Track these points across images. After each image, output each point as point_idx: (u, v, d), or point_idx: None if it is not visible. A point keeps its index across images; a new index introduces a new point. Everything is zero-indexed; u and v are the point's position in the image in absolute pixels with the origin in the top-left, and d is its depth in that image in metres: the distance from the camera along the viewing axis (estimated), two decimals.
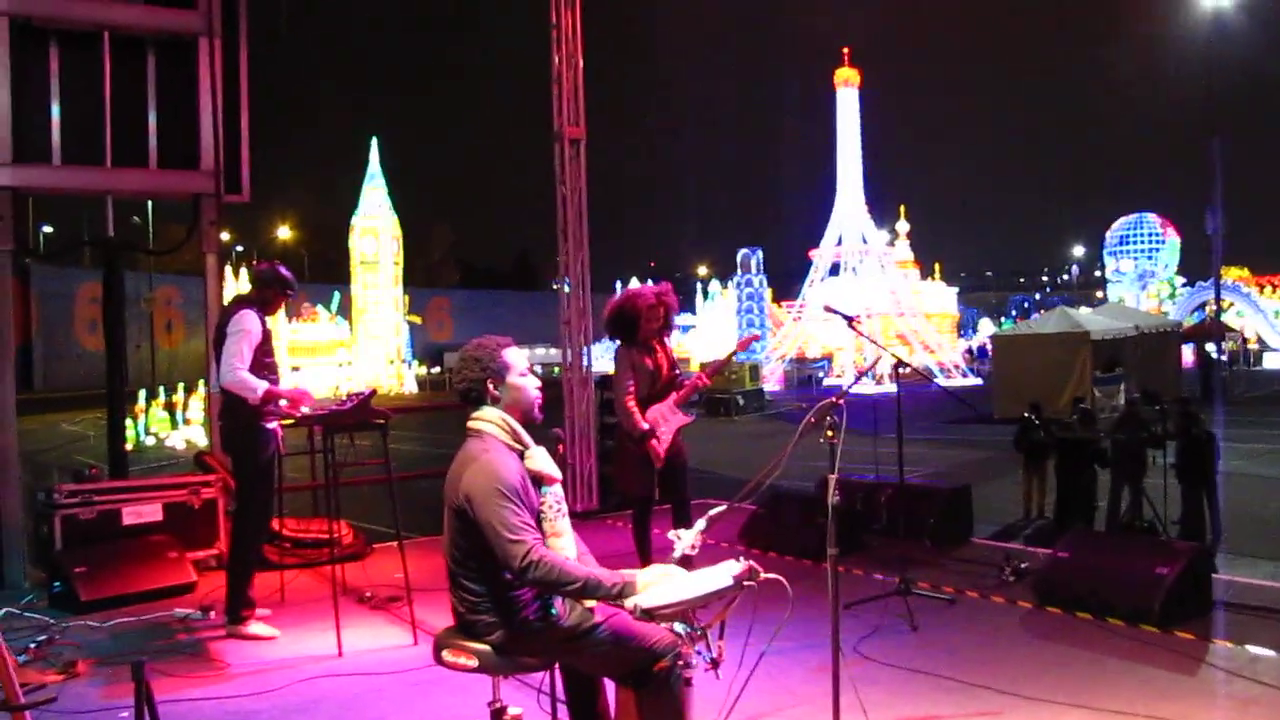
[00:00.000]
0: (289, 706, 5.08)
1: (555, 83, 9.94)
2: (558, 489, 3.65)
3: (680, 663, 3.47)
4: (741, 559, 3.39)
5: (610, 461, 10.06)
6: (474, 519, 3.41)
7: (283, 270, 6.65)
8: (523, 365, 3.72)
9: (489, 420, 3.62)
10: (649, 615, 3.33)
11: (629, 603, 3.35)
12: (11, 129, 7.74)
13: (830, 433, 4.01)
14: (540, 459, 3.62)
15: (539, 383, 3.76)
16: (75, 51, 8.11)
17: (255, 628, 6.26)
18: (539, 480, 3.58)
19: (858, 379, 5.60)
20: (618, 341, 6.98)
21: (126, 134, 8.23)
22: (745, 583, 3.34)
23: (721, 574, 3.37)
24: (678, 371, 7.01)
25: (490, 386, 3.64)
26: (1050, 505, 12.63)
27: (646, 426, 6.73)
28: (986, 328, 63.04)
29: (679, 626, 3.45)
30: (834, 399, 4.03)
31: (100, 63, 8.08)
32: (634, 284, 58.50)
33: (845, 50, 45.49)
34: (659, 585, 3.42)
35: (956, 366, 43.05)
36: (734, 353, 7.88)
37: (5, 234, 7.71)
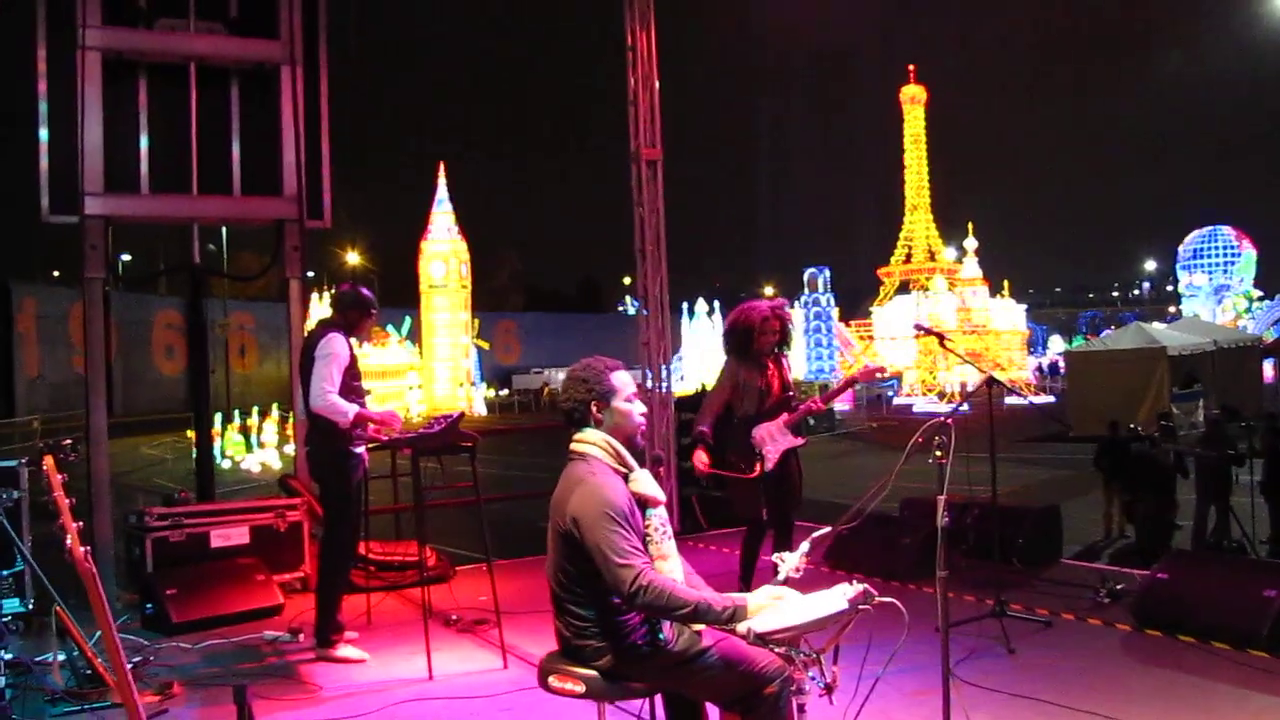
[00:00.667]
0: None
1: (632, 104, 9.96)
2: (662, 511, 3.60)
3: (793, 688, 3.40)
4: (855, 582, 3.32)
5: (694, 485, 10.03)
6: (581, 543, 3.38)
7: (365, 291, 6.63)
8: (629, 389, 3.67)
9: (593, 443, 3.59)
10: (763, 640, 3.27)
11: (741, 627, 3.29)
12: (104, 160, 7.88)
13: (939, 453, 3.93)
14: (645, 481, 3.58)
15: (644, 409, 3.72)
16: (163, 83, 8.26)
17: (345, 650, 6.27)
18: (643, 503, 3.54)
19: (963, 401, 5.51)
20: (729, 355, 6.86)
21: (211, 162, 8.36)
22: (860, 606, 3.27)
23: (836, 597, 3.30)
24: (791, 393, 6.84)
25: (594, 409, 3.61)
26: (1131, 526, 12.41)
27: (702, 429, 6.61)
28: (1056, 344, 62.20)
29: (793, 650, 3.38)
30: (943, 419, 3.96)
31: (186, 93, 8.22)
32: (700, 305, 58.91)
33: (911, 67, 45.40)
34: (771, 609, 3.36)
35: (1028, 384, 42.45)
36: (854, 380, 7.72)
37: (98, 262, 7.86)
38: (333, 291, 7.15)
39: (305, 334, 6.83)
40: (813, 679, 3.40)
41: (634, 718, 4.02)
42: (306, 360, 6.30)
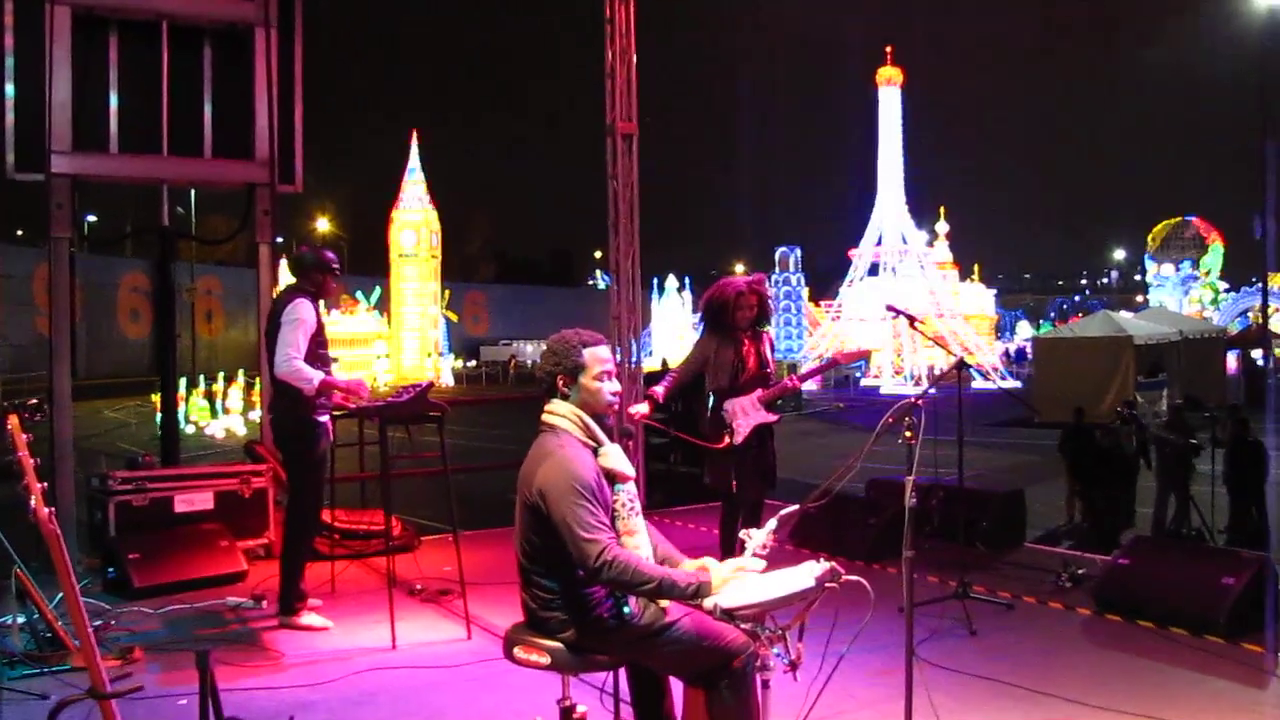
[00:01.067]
0: (346, 698, 5.07)
1: (609, 77, 9.90)
2: (631, 487, 3.59)
3: (757, 664, 3.41)
4: (823, 560, 3.33)
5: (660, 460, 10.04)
6: (548, 516, 3.37)
7: (326, 253, 6.52)
8: (600, 367, 3.59)
9: (562, 415, 3.56)
10: (729, 616, 3.28)
11: (708, 603, 3.30)
12: (72, 118, 7.76)
13: (909, 434, 3.94)
14: (615, 456, 3.57)
15: (617, 387, 3.67)
16: (134, 41, 8.14)
17: (308, 618, 6.24)
18: (612, 478, 3.53)
19: (934, 384, 5.52)
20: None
21: (182, 123, 8.25)
22: (827, 584, 3.27)
23: (803, 575, 3.31)
24: (769, 370, 6.78)
25: (560, 383, 3.58)
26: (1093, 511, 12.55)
27: (654, 389, 6.62)
28: (1024, 330, 62.66)
29: (758, 627, 3.39)
30: (913, 400, 3.96)
31: (158, 52, 8.10)
32: (671, 280, 58.85)
33: (888, 49, 45.30)
34: (738, 584, 3.37)
35: (995, 369, 42.74)
36: (835, 362, 7.70)
37: (64, 222, 7.75)
38: (291, 255, 7.02)
39: (272, 299, 6.74)
40: (777, 655, 3.41)
41: (597, 690, 4.02)
42: (273, 326, 6.20)
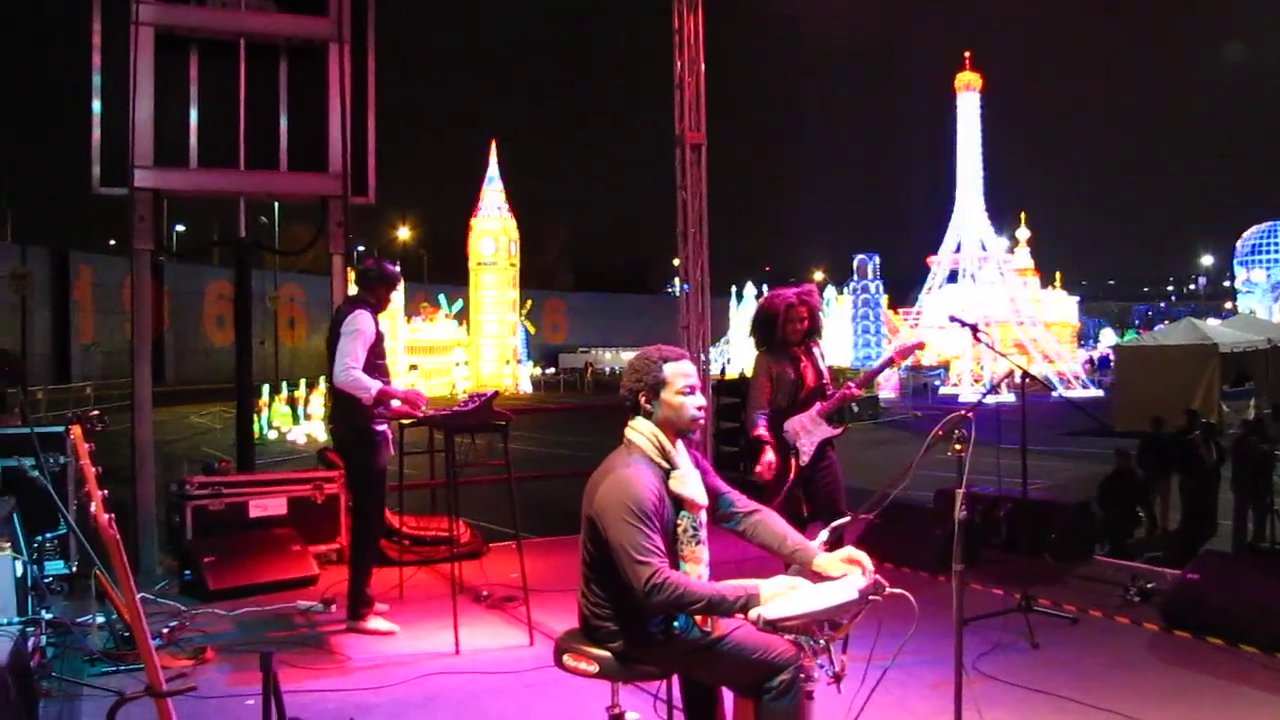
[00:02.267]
0: (407, 702, 5.17)
1: (677, 88, 9.97)
2: (702, 515, 3.60)
3: (802, 676, 3.43)
4: (868, 572, 3.34)
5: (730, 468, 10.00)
6: (603, 534, 3.42)
7: (388, 266, 6.69)
8: (684, 382, 3.59)
9: (640, 433, 3.60)
10: (773, 627, 3.30)
11: (753, 614, 3.32)
12: (154, 134, 8.02)
13: (959, 446, 3.94)
14: (688, 483, 3.56)
15: (702, 401, 3.64)
16: (213, 59, 8.39)
17: (374, 623, 6.37)
18: (680, 503, 3.55)
19: (991, 390, 5.48)
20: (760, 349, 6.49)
21: (259, 138, 8.47)
22: (871, 597, 3.28)
23: (847, 587, 3.32)
24: (826, 381, 6.41)
25: (643, 399, 3.60)
26: (1175, 522, 12.30)
27: (760, 433, 6.19)
28: (1108, 338, 61.48)
29: (802, 639, 3.41)
30: (964, 412, 3.95)
31: (236, 68, 8.34)
32: (749, 289, 58.74)
33: (967, 54, 44.80)
34: (784, 597, 3.39)
35: (1076, 377, 42.03)
36: (891, 361, 7.30)
37: (145, 234, 8.01)
38: (357, 268, 7.17)
39: (334, 310, 6.91)
40: (821, 667, 3.42)
41: (652, 696, 4.08)
42: (333, 336, 6.38)
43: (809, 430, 6.26)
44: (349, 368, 6.16)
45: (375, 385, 6.19)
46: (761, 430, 6.17)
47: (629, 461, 3.52)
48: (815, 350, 6.45)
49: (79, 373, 41.69)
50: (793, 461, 6.22)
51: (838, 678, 3.41)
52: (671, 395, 3.57)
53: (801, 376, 6.28)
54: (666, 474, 3.55)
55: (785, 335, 6.32)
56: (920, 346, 8.05)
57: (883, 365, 7.38)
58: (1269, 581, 6.21)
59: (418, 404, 6.45)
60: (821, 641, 3.37)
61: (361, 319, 6.30)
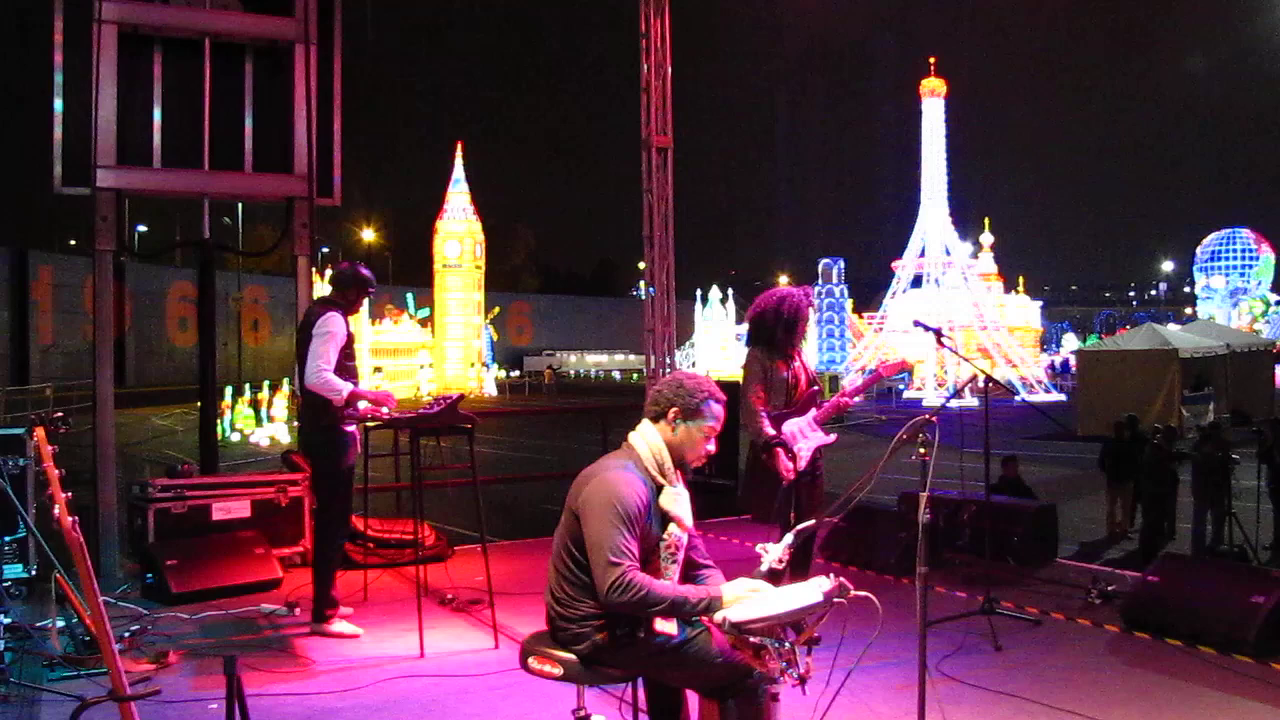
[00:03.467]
0: (372, 705, 5.14)
1: (644, 91, 9.99)
2: (684, 537, 3.63)
3: (767, 678, 3.45)
4: (832, 575, 3.36)
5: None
6: (583, 526, 3.45)
7: (363, 270, 6.70)
8: (713, 424, 3.68)
9: (646, 441, 3.64)
10: (738, 630, 3.32)
11: (718, 616, 3.34)
12: (116, 133, 7.95)
13: (923, 450, 3.97)
14: (678, 502, 3.61)
15: (714, 449, 3.76)
16: (177, 58, 8.33)
17: (339, 626, 6.34)
18: (667, 519, 3.58)
19: (955, 394, 5.52)
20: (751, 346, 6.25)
21: (223, 138, 8.42)
22: (835, 599, 3.31)
23: (812, 590, 3.35)
24: (816, 387, 6.24)
25: (672, 414, 3.64)
26: (1136, 526, 12.44)
27: (772, 432, 5.92)
28: (1070, 343, 62.03)
29: (768, 641, 3.43)
30: (927, 416, 3.99)
31: (200, 68, 8.27)
32: (714, 292, 58.88)
33: (932, 60, 45.10)
34: (748, 600, 3.41)
35: (1039, 381, 42.36)
36: (879, 375, 7.06)
37: (108, 235, 7.93)
38: (331, 270, 7.16)
39: (304, 311, 6.88)
40: (786, 669, 3.44)
41: (617, 699, 4.08)
42: (304, 337, 6.36)
43: (806, 434, 6.10)
44: (321, 370, 6.16)
45: (347, 387, 6.19)
46: (771, 431, 5.97)
47: (624, 465, 3.56)
48: (802, 352, 6.30)
49: (38, 374, 41.16)
50: (792, 463, 6.01)
51: (802, 680, 3.43)
52: (697, 429, 3.64)
53: (796, 378, 6.14)
54: (658, 489, 3.58)
55: (797, 338, 6.15)
56: (909, 367, 8.11)
57: (870, 379, 7.29)
58: (1226, 583, 6.29)
59: (388, 405, 6.45)
60: (786, 644, 3.39)
61: (333, 321, 6.29)
